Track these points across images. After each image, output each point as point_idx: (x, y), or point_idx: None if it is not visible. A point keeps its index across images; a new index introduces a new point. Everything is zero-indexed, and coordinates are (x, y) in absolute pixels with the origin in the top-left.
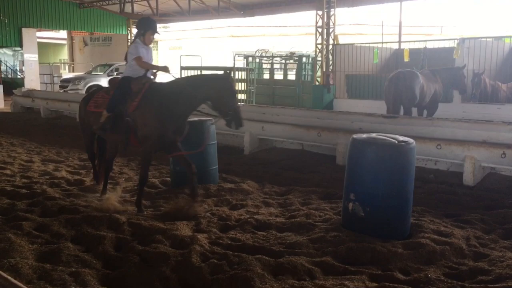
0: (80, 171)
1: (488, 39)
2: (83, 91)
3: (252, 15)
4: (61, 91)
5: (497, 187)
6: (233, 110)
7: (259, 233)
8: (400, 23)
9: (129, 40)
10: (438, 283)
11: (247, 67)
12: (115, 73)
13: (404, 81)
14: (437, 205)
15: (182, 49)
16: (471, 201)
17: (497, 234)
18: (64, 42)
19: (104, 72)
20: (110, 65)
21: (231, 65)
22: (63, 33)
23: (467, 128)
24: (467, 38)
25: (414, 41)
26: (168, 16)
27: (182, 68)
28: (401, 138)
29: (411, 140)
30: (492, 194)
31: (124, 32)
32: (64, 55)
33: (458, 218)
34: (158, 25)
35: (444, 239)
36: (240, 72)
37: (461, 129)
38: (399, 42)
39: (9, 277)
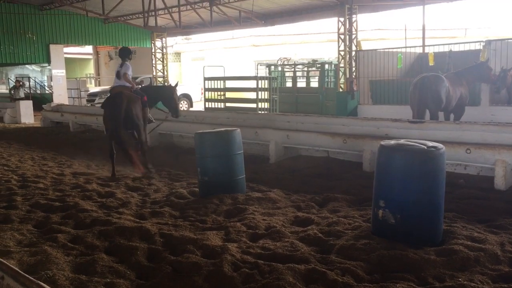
0: (110, 183)
1: None
2: None
3: (273, 24)
4: (88, 105)
5: None
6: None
7: (289, 241)
8: (424, 26)
9: (153, 53)
10: None
11: (270, 75)
12: (140, 85)
13: (429, 86)
14: (469, 210)
15: (204, 60)
16: (503, 205)
17: None
18: (90, 56)
19: None
20: (135, 78)
21: (253, 74)
22: (88, 48)
23: (497, 131)
24: (493, 39)
25: (439, 45)
26: (191, 28)
27: (206, 78)
28: (430, 143)
29: (440, 145)
30: None
31: (148, 45)
32: (90, 69)
33: (491, 224)
34: (181, 37)
35: (478, 245)
36: (262, 81)
37: (491, 133)
38: (423, 46)
39: None
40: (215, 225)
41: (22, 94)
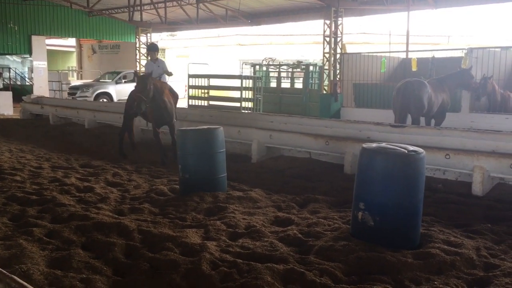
0: (89, 178)
1: (496, 49)
2: (91, 98)
3: (259, 23)
4: (70, 98)
5: (506, 198)
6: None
7: (268, 241)
8: (408, 32)
9: (137, 48)
10: None
11: (254, 75)
12: (123, 80)
13: (412, 91)
14: (446, 215)
15: (189, 57)
16: (480, 211)
17: (508, 245)
18: (73, 49)
19: (112, 80)
20: (118, 73)
21: (238, 73)
22: (72, 41)
23: (476, 138)
24: (475, 48)
25: (422, 51)
26: (176, 25)
27: (190, 76)
28: (411, 147)
29: (420, 150)
30: (502, 204)
31: (132, 40)
32: (73, 62)
33: (468, 229)
34: (166, 33)
35: (454, 249)
36: (247, 80)
37: (470, 139)
38: (407, 51)
39: (24, 283)
40: (195, 223)
41: (0, 85)
